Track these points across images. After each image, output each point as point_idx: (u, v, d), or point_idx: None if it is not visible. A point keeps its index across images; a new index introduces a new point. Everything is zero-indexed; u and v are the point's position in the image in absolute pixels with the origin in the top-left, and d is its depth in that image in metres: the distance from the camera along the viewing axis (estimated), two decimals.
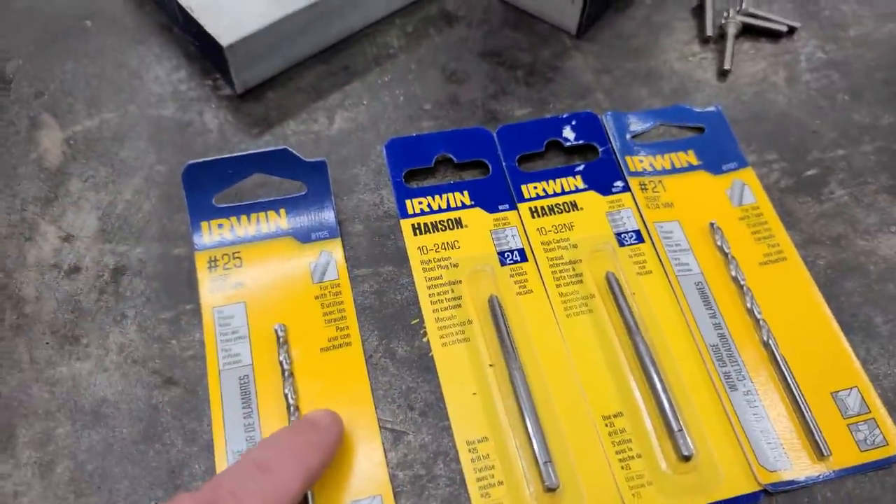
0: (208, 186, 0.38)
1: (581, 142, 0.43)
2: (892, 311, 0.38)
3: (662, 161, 0.43)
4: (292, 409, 0.33)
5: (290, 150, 0.38)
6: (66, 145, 0.42)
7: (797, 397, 0.35)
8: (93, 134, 0.42)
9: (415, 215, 0.40)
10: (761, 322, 0.37)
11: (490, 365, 0.35)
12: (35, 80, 0.44)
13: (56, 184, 0.40)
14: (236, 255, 0.38)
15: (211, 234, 0.38)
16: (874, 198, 0.43)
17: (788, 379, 0.35)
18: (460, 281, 0.38)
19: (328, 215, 0.39)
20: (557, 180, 0.41)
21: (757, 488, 0.33)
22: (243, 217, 0.39)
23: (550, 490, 0.32)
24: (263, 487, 0.26)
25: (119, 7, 0.48)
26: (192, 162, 0.37)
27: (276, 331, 0.35)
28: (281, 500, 0.26)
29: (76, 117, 0.43)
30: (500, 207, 0.40)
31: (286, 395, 0.34)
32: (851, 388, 0.36)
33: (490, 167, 0.42)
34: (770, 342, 0.36)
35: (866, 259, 0.40)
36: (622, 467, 0.33)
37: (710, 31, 0.49)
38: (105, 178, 0.41)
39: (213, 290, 0.37)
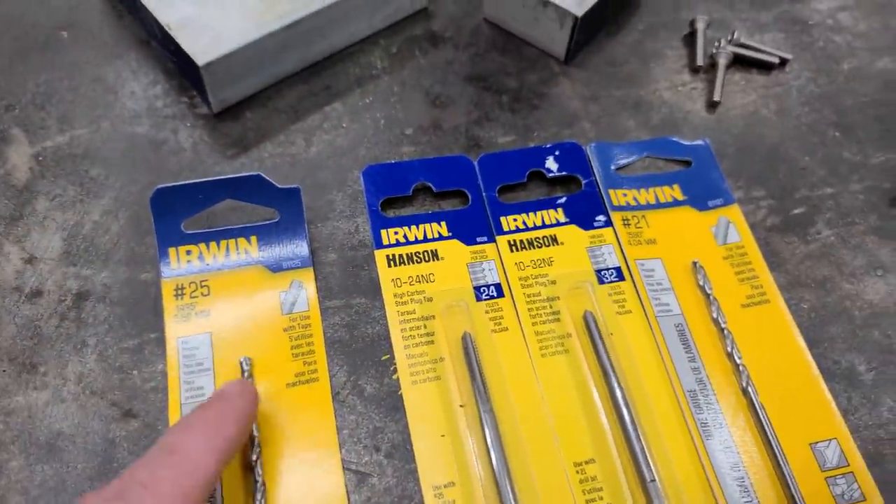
0: (178, 211, 0.37)
1: (564, 173, 0.42)
2: (876, 358, 0.38)
3: (647, 195, 0.42)
4: (254, 445, 0.32)
5: (264, 176, 0.37)
6: (34, 161, 0.41)
7: (775, 449, 0.34)
8: (63, 150, 0.41)
9: (390, 246, 0.39)
10: (741, 367, 0.36)
11: (461, 405, 0.34)
12: (6, 92, 0.43)
13: (22, 202, 0.39)
14: (204, 283, 0.37)
15: (179, 261, 0.37)
16: (861, 239, 0.42)
17: (767, 429, 0.34)
18: (434, 316, 0.37)
19: (300, 244, 0.38)
20: (538, 213, 0.41)
21: None
22: (213, 244, 0.37)
23: None
24: (174, 470, 0.25)
25: (97, 19, 0.47)
26: (161, 186, 0.36)
27: (241, 364, 0.34)
28: (195, 479, 0.25)
29: (47, 133, 0.42)
30: (479, 240, 0.39)
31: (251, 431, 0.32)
32: (831, 440, 0.35)
33: (470, 197, 0.41)
34: (749, 389, 0.35)
35: (851, 304, 0.39)
36: None
37: (700, 61, 0.48)
38: (73, 198, 0.40)
39: (178, 319, 0.36)
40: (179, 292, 0.36)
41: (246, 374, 0.34)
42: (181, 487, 0.25)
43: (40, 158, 0.41)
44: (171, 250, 0.37)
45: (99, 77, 0.44)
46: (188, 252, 0.37)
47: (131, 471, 0.25)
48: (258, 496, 0.31)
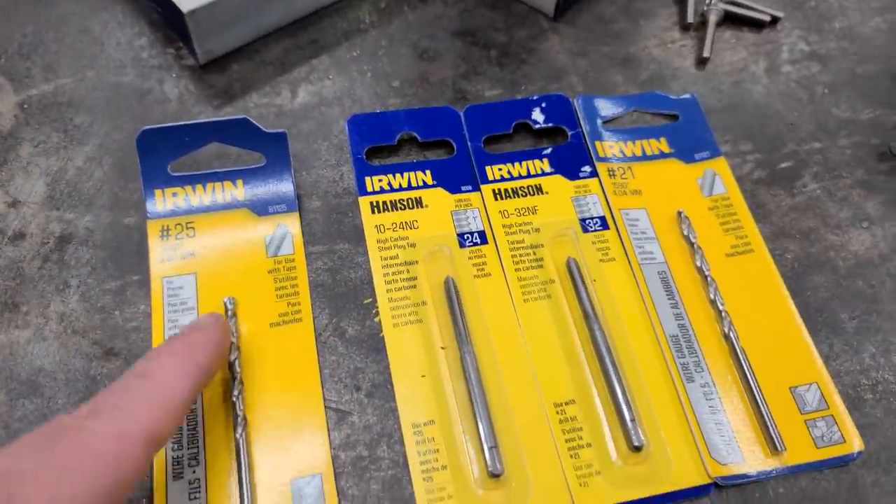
0: (164, 153, 0.37)
1: (550, 125, 0.42)
2: (859, 307, 0.38)
3: (633, 147, 0.42)
4: (236, 382, 0.32)
5: (251, 119, 0.37)
6: (19, 109, 0.41)
7: (754, 391, 0.34)
8: (48, 99, 0.41)
9: (374, 193, 0.39)
10: (723, 314, 0.36)
11: (442, 347, 0.34)
12: None
13: (6, 148, 0.39)
14: (189, 224, 0.37)
15: (164, 202, 0.37)
16: (848, 192, 0.42)
17: (747, 372, 0.34)
18: (417, 261, 0.37)
19: (287, 188, 0.38)
20: (523, 163, 0.40)
21: (707, 481, 0.32)
22: (199, 186, 0.38)
23: (494, 476, 0.31)
24: (147, 393, 0.25)
25: None
26: (147, 128, 0.36)
27: (225, 303, 0.35)
28: (168, 402, 0.25)
29: (32, 81, 0.42)
30: (463, 188, 0.39)
31: (232, 367, 0.33)
32: (811, 384, 0.35)
33: (455, 147, 0.41)
34: (731, 334, 0.35)
35: (836, 254, 0.39)
36: (571, 456, 0.32)
37: (691, 18, 0.48)
38: (57, 144, 0.40)
39: (163, 259, 0.36)
40: (165, 233, 0.36)
41: (230, 312, 0.34)
42: (154, 410, 0.25)
43: (25, 106, 0.41)
44: (157, 192, 0.37)
45: (85, 28, 0.44)
46: (174, 194, 0.37)
47: (104, 394, 0.25)
48: (239, 430, 0.31)
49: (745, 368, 0.34)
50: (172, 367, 0.26)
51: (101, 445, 0.23)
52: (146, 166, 0.37)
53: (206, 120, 0.36)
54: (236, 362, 0.33)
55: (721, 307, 0.36)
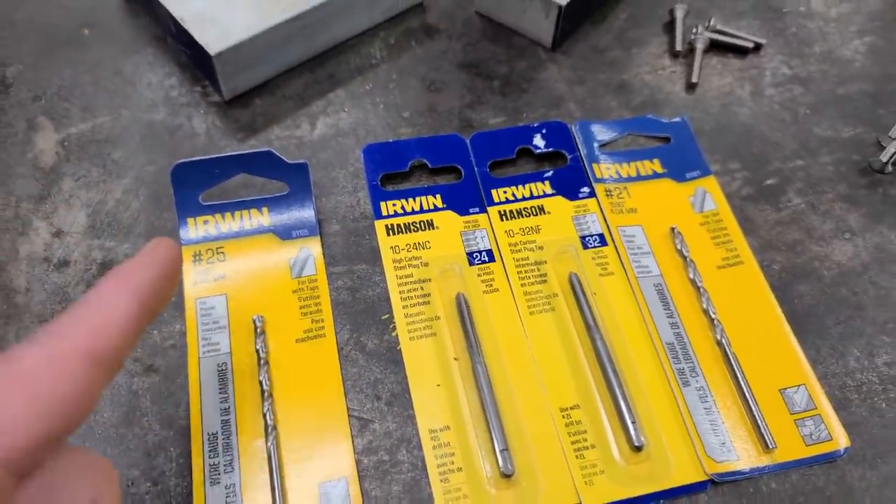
0: (195, 185, 0.40)
1: (551, 149, 0.45)
2: (843, 313, 0.40)
3: (628, 169, 0.45)
4: (266, 395, 0.35)
5: (274, 152, 0.40)
6: (60, 147, 0.44)
7: (746, 393, 0.36)
8: (86, 136, 0.45)
9: (389, 216, 0.42)
10: (716, 322, 0.39)
11: (455, 358, 0.37)
12: (34, 85, 0.47)
13: (49, 182, 0.43)
14: (220, 249, 0.40)
15: (196, 229, 0.40)
16: (830, 206, 0.44)
17: (738, 376, 0.37)
18: (430, 279, 0.40)
19: (308, 214, 0.41)
20: (527, 185, 0.44)
21: (704, 478, 0.34)
22: (227, 214, 0.41)
23: (506, 476, 0.33)
24: (84, 315, 0.24)
25: (116, 18, 0.51)
26: (180, 161, 0.39)
27: (254, 321, 0.37)
28: (106, 320, 0.24)
29: (71, 121, 0.45)
30: (471, 210, 0.42)
31: (261, 382, 0.35)
32: (799, 386, 0.37)
33: (463, 172, 0.44)
34: (723, 341, 0.38)
35: (820, 264, 0.42)
36: (577, 456, 0.35)
37: (679, 47, 0.51)
38: (97, 178, 0.43)
39: (196, 281, 0.39)
40: (197, 257, 0.39)
41: (259, 330, 0.37)
42: (90, 329, 0.23)
43: (65, 144, 0.44)
44: (190, 220, 0.40)
45: (118, 70, 0.48)
46: (205, 221, 0.40)
47: (43, 325, 0.25)
48: (270, 439, 0.34)
49: (737, 372, 0.37)
50: (111, 289, 0.25)
51: (32, 367, 0.22)
52: (180, 197, 0.40)
53: (234, 153, 0.40)
54: (266, 376, 0.36)
55: (713, 316, 0.39)
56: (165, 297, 0.27)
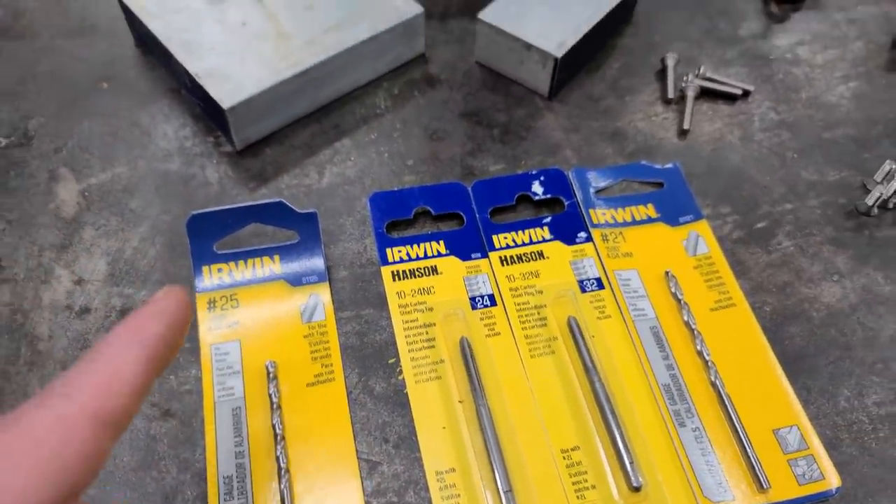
0: (210, 234, 0.42)
1: (549, 196, 0.47)
2: (833, 354, 0.42)
3: (623, 214, 0.47)
4: (279, 438, 0.37)
5: (285, 202, 0.42)
6: (81, 197, 0.46)
7: (740, 434, 0.38)
8: (106, 186, 0.47)
9: (394, 262, 0.44)
10: (710, 363, 0.40)
11: (459, 401, 0.39)
12: (55, 136, 0.49)
13: (71, 232, 0.44)
14: (233, 296, 0.42)
15: (211, 277, 0.42)
16: (819, 248, 0.46)
17: (733, 417, 0.38)
18: (434, 323, 0.41)
19: (318, 261, 0.43)
20: (526, 231, 0.45)
21: None
22: (241, 262, 0.43)
23: None
24: (93, 374, 0.23)
25: (134, 71, 0.53)
26: (195, 212, 0.41)
27: (266, 367, 0.39)
28: (116, 379, 0.24)
29: (91, 171, 0.47)
30: (473, 256, 0.44)
31: (274, 426, 0.37)
32: (792, 427, 0.39)
33: (465, 219, 0.46)
34: (717, 382, 0.40)
35: (809, 306, 0.44)
36: (578, 497, 0.36)
37: (671, 94, 0.54)
38: (115, 227, 0.45)
39: (211, 328, 0.41)
40: (212, 305, 0.41)
41: (271, 375, 0.38)
42: (99, 390, 0.23)
43: (86, 194, 0.46)
44: (205, 268, 0.42)
45: (135, 122, 0.50)
46: (219, 270, 0.42)
47: (51, 382, 0.24)
48: (283, 481, 0.35)
49: (732, 413, 0.39)
50: (120, 343, 0.25)
51: (40, 432, 0.22)
52: (195, 246, 0.42)
53: (246, 204, 0.42)
54: (278, 420, 0.37)
55: (708, 357, 0.40)
56: (175, 348, 0.27)
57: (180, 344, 0.27)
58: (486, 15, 0.52)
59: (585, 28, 0.52)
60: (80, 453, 0.22)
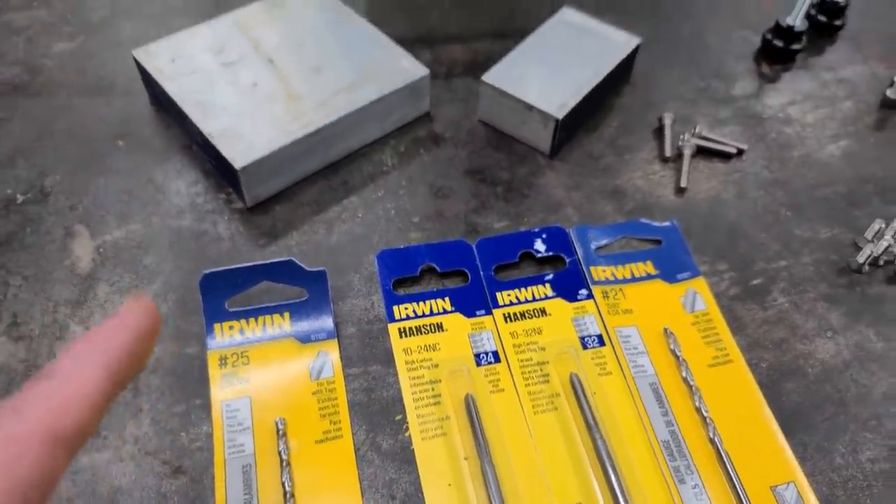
0: (222, 292, 0.43)
1: (551, 253, 0.49)
2: (828, 410, 0.43)
3: (623, 271, 0.48)
4: (289, 496, 0.37)
5: (295, 261, 0.43)
6: (96, 253, 0.48)
7: (739, 492, 0.39)
8: (120, 243, 0.48)
9: (401, 320, 0.45)
10: (708, 420, 0.41)
11: (465, 458, 0.40)
12: (71, 193, 0.51)
13: (86, 288, 0.46)
14: (244, 353, 0.43)
15: (223, 334, 0.43)
16: (813, 305, 0.48)
17: (731, 474, 0.39)
18: (440, 380, 0.43)
19: (326, 319, 0.44)
20: (529, 288, 0.47)
21: None
22: (251, 320, 0.44)
23: None
24: (48, 391, 0.22)
25: (149, 129, 0.55)
26: (208, 271, 0.42)
27: (276, 423, 0.40)
28: (72, 397, 0.22)
29: (106, 227, 0.49)
30: (478, 313, 0.45)
31: (283, 483, 0.38)
32: (789, 483, 0.40)
33: (469, 276, 0.47)
34: (716, 439, 0.41)
35: (805, 362, 0.45)
36: None
37: (668, 152, 0.56)
38: (129, 283, 0.46)
39: (222, 385, 0.42)
40: (223, 362, 0.42)
41: (281, 432, 0.39)
42: (54, 408, 0.22)
43: (101, 250, 0.48)
44: (217, 326, 0.43)
45: (150, 179, 0.52)
46: (231, 327, 0.43)
47: (3, 402, 0.22)
48: None
49: (730, 470, 0.39)
50: (79, 360, 0.23)
51: None
52: (207, 304, 0.43)
53: (258, 263, 0.43)
54: (288, 477, 0.38)
55: (706, 414, 0.41)
56: (142, 360, 0.25)
57: (147, 356, 0.25)
58: (489, 77, 0.55)
59: (585, 90, 0.54)
60: (29, 474, 0.21)
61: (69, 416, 0.22)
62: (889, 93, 0.61)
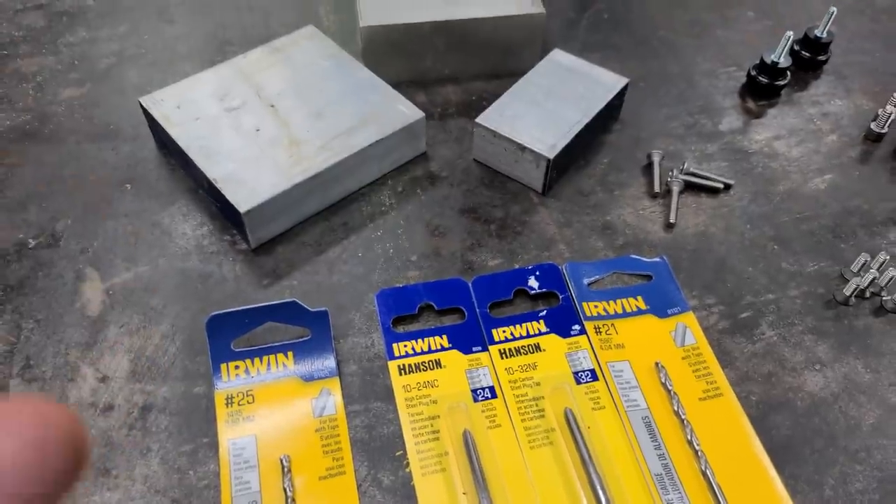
0: (228, 333, 0.45)
1: (544, 290, 0.50)
2: (817, 443, 0.44)
3: (615, 306, 0.50)
4: None
5: (299, 302, 0.45)
6: (105, 295, 0.49)
7: None
8: (129, 285, 0.50)
9: (401, 357, 0.46)
10: (700, 453, 0.42)
11: (463, 493, 0.41)
12: (81, 237, 0.52)
13: (96, 330, 0.47)
14: (249, 392, 0.44)
15: (229, 375, 0.45)
16: (801, 338, 0.49)
17: None
18: (438, 416, 0.44)
19: (328, 357, 0.46)
20: (523, 325, 0.48)
21: None
22: (256, 359, 0.45)
23: None
24: None
25: (154, 174, 0.57)
26: (214, 313, 0.44)
27: (281, 461, 0.41)
28: None
29: (115, 270, 0.51)
30: (474, 349, 0.47)
31: None
32: None
33: (466, 313, 0.49)
34: (707, 472, 0.42)
35: (794, 395, 0.46)
36: None
37: (657, 188, 0.57)
38: (138, 325, 0.48)
39: (228, 424, 0.43)
40: (229, 401, 0.43)
41: (286, 469, 0.41)
42: None
43: (110, 293, 0.49)
44: (223, 366, 0.44)
45: (156, 222, 0.54)
46: (236, 367, 0.45)
47: None
48: None
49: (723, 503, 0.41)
50: None
51: None
52: (214, 345, 0.45)
53: (263, 304, 0.45)
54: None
55: (697, 447, 0.43)
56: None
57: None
58: (483, 119, 0.57)
59: (576, 129, 0.56)
60: None
61: None
62: (873, 126, 0.63)
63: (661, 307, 0.50)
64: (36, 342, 0.47)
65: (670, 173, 0.58)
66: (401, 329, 0.48)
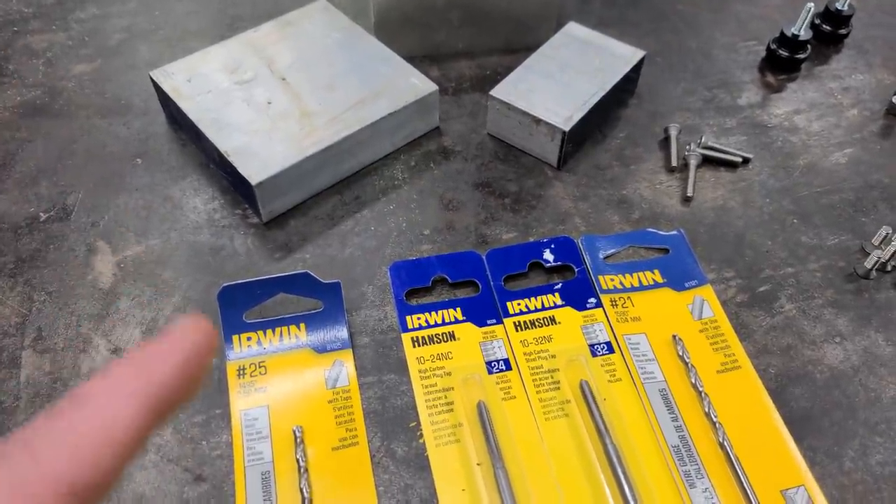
0: (240, 305, 0.45)
1: (559, 263, 0.50)
2: (837, 415, 0.43)
3: (631, 279, 0.49)
4: (307, 501, 0.38)
5: (311, 273, 0.45)
6: (117, 268, 0.49)
7: (749, 495, 0.39)
8: (140, 258, 0.50)
9: (414, 329, 0.46)
10: (717, 425, 0.42)
11: (478, 464, 0.40)
12: (92, 211, 0.52)
13: (108, 302, 0.47)
14: (262, 364, 0.44)
15: (241, 346, 0.44)
16: (820, 311, 0.48)
17: (742, 477, 0.40)
18: (452, 388, 0.43)
19: (341, 329, 0.45)
20: (538, 297, 0.48)
21: None
22: (269, 331, 0.45)
23: None
24: (72, 429, 0.19)
25: (166, 148, 0.57)
26: (226, 284, 0.44)
27: (294, 431, 0.41)
28: (98, 444, 0.19)
29: (126, 244, 0.50)
30: (489, 322, 0.46)
31: (301, 490, 0.39)
32: (799, 487, 0.40)
33: (480, 286, 0.48)
34: (725, 443, 0.41)
35: (813, 368, 0.45)
36: None
37: (674, 162, 0.57)
38: (149, 297, 0.47)
39: (241, 395, 0.43)
40: (242, 372, 0.43)
41: (298, 440, 0.40)
42: (74, 456, 0.18)
43: (122, 265, 0.49)
44: (235, 337, 0.44)
45: (168, 196, 0.53)
46: (248, 338, 0.44)
47: (25, 428, 0.19)
48: None
49: (740, 474, 0.40)
50: (115, 388, 0.20)
51: None
52: (226, 316, 0.44)
53: (275, 276, 0.44)
54: (306, 484, 0.39)
55: (715, 419, 0.42)
56: (187, 397, 0.21)
57: (198, 386, 0.22)
58: (497, 91, 0.56)
59: (591, 102, 0.55)
60: None
61: (90, 468, 0.18)
62: (895, 100, 0.62)
63: (678, 280, 0.49)
64: (48, 314, 0.47)
65: (688, 147, 0.57)
66: (414, 302, 0.48)
